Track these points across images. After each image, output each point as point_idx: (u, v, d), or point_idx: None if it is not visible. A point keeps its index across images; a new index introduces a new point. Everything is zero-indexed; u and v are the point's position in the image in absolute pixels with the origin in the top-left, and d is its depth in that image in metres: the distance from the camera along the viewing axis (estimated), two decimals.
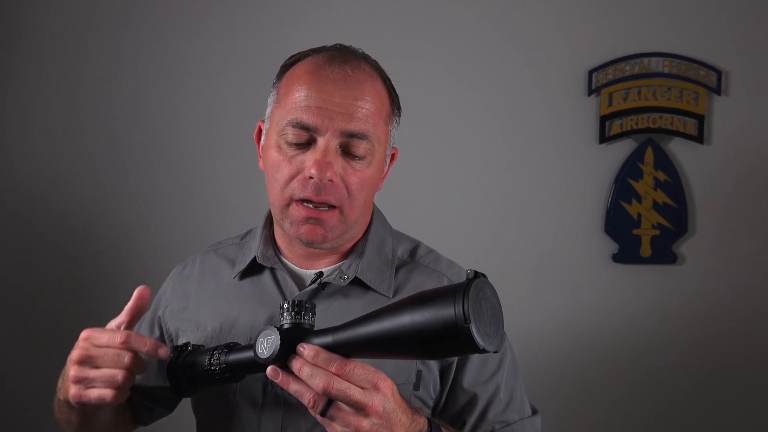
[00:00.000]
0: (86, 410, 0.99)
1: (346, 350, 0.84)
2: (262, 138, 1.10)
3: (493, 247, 1.96)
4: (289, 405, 1.01)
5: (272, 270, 1.10)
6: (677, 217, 1.90)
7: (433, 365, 1.06)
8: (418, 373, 1.03)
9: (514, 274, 1.94)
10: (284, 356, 0.85)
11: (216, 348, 0.95)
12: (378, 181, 1.10)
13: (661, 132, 1.91)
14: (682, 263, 1.91)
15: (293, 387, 0.84)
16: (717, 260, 1.90)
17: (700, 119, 1.89)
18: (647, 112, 1.91)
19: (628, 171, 1.91)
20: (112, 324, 0.98)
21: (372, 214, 1.14)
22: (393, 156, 1.14)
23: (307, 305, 0.88)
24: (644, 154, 1.91)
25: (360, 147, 1.02)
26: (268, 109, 1.09)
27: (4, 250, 2.05)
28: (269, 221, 1.15)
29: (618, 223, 1.91)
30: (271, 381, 0.87)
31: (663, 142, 1.91)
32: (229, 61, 2.01)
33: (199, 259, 1.20)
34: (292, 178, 1.01)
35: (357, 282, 1.07)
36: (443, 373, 1.07)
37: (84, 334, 0.95)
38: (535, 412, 1.13)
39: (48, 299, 2.02)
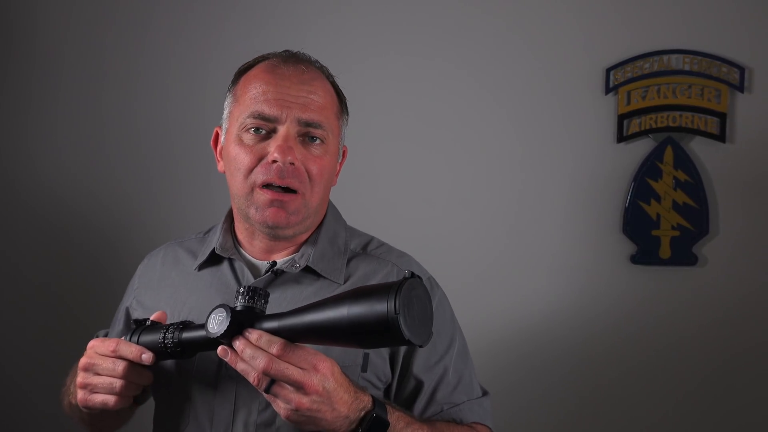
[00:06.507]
0: (94, 411, 1.07)
1: (290, 335, 0.91)
2: (221, 140, 1.18)
3: (509, 247, 1.94)
4: (242, 387, 1.06)
5: (230, 261, 1.17)
6: (698, 218, 1.85)
7: (382, 348, 1.10)
8: (366, 356, 1.09)
9: (529, 274, 1.93)
10: (232, 334, 0.93)
11: (171, 324, 1.02)
12: (333, 174, 1.17)
13: (681, 131, 1.86)
14: (704, 265, 1.86)
15: (240, 366, 0.92)
16: (740, 262, 1.85)
17: (722, 117, 1.84)
18: (667, 110, 1.87)
19: (647, 170, 1.87)
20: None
21: (327, 210, 1.20)
22: (344, 154, 1.22)
23: (261, 292, 0.95)
24: (663, 153, 1.87)
25: (317, 135, 1.11)
26: (225, 112, 1.17)
27: (30, 249, 2.11)
28: (230, 217, 1.22)
29: (636, 224, 1.88)
30: (225, 364, 0.94)
31: (683, 141, 1.87)
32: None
33: (162, 251, 1.27)
34: (254, 165, 1.09)
35: (309, 270, 1.13)
36: (393, 358, 1.12)
37: (91, 342, 1.04)
38: (485, 393, 1.19)
39: (73, 299, 2.07)
